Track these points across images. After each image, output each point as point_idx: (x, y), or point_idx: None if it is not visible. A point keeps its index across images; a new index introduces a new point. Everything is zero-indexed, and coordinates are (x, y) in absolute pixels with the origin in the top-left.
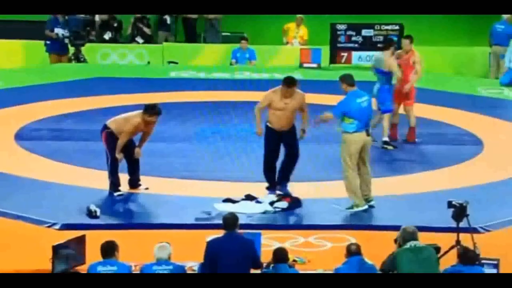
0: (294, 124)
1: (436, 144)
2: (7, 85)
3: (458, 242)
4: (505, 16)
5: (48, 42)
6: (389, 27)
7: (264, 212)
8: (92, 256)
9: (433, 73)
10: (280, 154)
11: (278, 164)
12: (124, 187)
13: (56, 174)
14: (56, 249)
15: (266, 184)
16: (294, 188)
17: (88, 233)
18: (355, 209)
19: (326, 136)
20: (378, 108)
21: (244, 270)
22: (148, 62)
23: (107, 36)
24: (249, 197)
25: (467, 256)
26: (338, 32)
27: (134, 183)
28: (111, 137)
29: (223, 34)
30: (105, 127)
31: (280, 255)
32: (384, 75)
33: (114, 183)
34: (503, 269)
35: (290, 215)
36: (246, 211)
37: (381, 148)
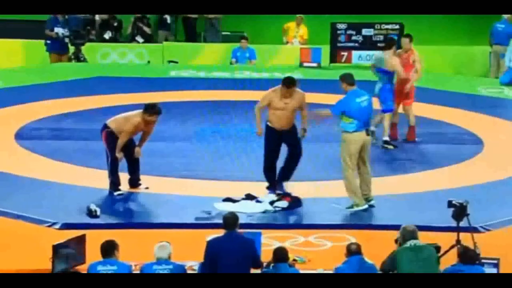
0: (295, 124)
1: (436, 144)
2: (7, 85)
3: (458, 241)
4: (505, 16)
5: (48, 41)
6: (389, 27)
7: (264, 212)
8: (92, 255)
9: (433, 73)
10: (280, 154)
11: (279, 163)
12: (124, 187)
13: (56, 174)
14: (56, 248)
15: (266, 184)
16: (294, 187)
17: (88, 232)
18: (355, 209)
19: (326, 136)
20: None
21: (244, 269)
22: (148, 62)
23: (107, 35)
24: (249, 197)
25: (467, 255)
26: (338, 32)
27: (134, 182)
28: (111, 137)
29: (223, 33)
30: (105, 126)
31: (280, 254)
32: (385, 75)
33: (114, 183)
34: (503, 269)
35: (290, 214)
36: (246, 210)
37: (381, 148)
